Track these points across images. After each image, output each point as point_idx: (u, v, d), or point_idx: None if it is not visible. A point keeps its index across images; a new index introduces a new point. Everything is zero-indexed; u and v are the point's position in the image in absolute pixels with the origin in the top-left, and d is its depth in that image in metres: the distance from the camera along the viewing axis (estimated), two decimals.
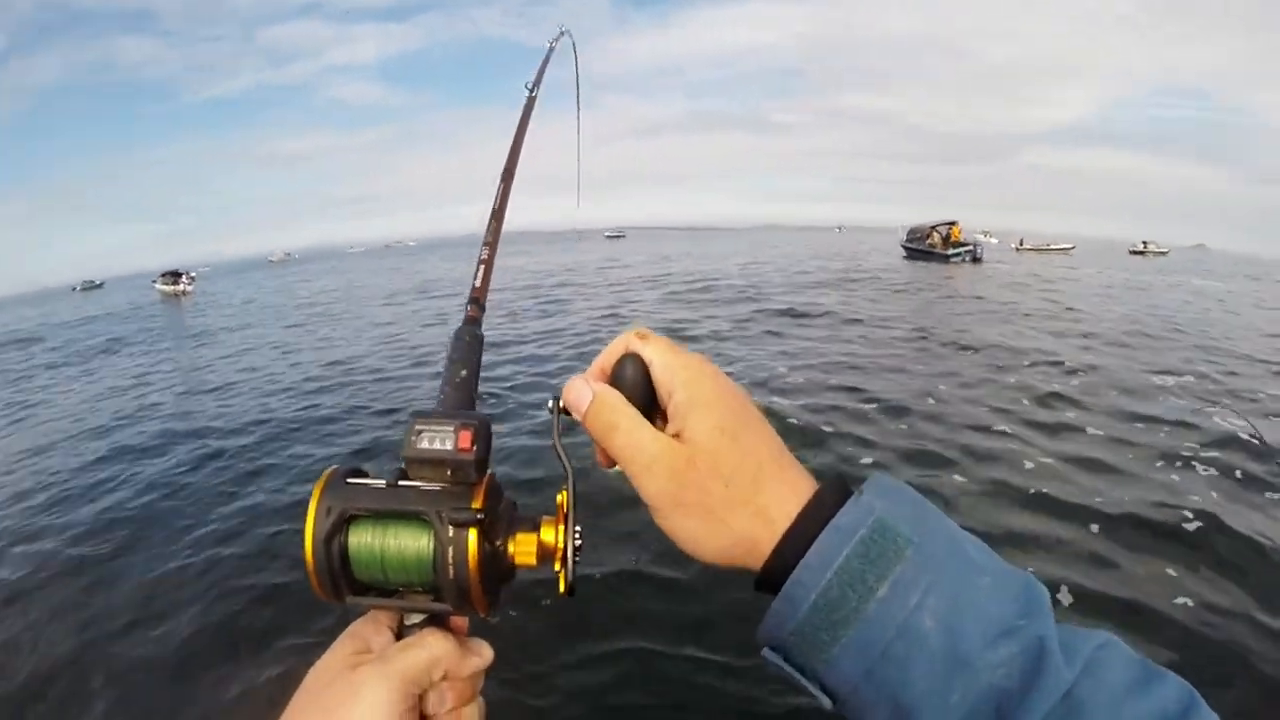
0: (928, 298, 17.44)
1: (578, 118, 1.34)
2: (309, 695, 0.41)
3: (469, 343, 0.51)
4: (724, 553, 0.41)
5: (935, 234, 33.82)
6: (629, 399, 0.44)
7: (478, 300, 0.54)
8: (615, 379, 0.45)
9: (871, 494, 0.39)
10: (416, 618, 0.44)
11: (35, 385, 13.41)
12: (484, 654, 0.45)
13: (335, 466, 0.44)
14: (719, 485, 0.40)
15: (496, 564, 0.43)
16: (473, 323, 0.53)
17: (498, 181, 0.64)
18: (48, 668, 4.40)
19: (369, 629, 0.44)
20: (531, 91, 0.78)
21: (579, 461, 0.45)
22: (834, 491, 0.40)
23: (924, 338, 10.98)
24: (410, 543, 0.41)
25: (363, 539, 0.42)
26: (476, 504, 0.41)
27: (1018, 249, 47.94)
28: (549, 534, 0.44)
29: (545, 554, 0.44)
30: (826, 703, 0.38)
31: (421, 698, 0.42)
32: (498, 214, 0.59)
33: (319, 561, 0.41)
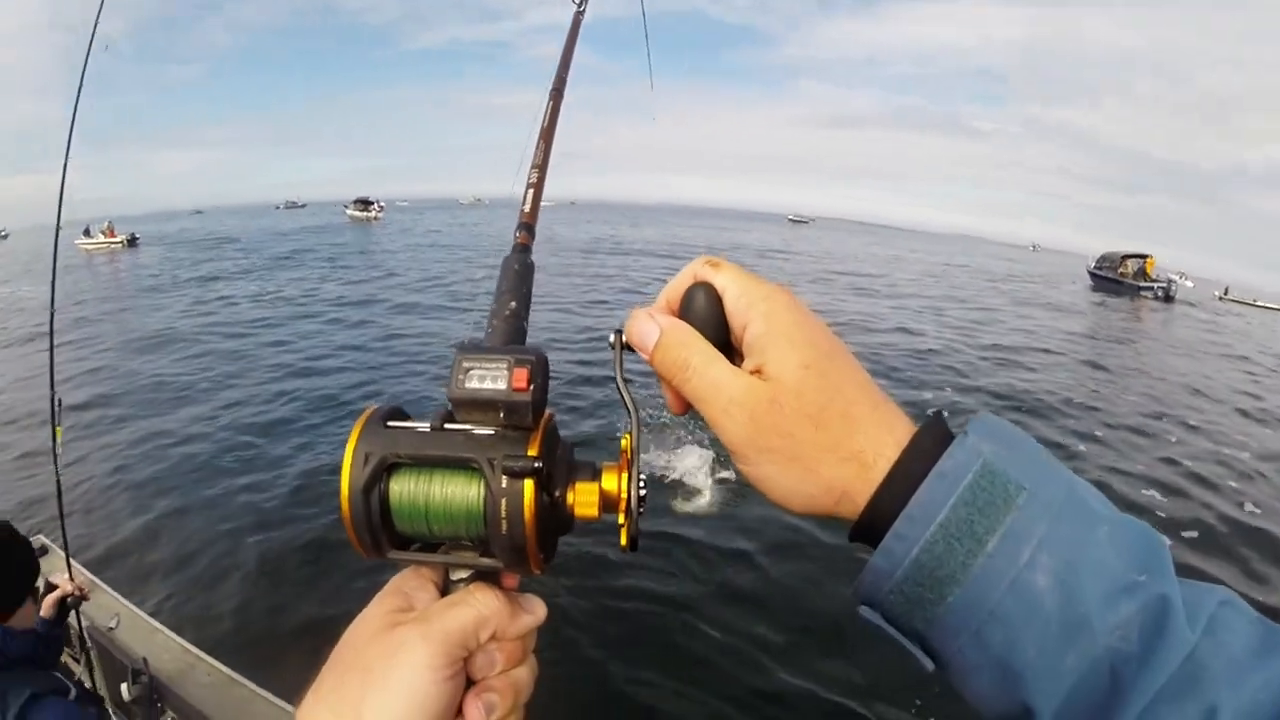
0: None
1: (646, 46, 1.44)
2: (346, 654, 0.37)
3: (518, 271, 0.47)
4: (814, 502, 0.37)
5: (1128, 264, 33.01)
6: (701, 333, 0.40)
7: (528, 226, 0.49)
8: (685, 311, 0.41)
9: (977, 435, 0.35)
10: (464, 572, 0.41)
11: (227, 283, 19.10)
12: (537, 612, 0.42)
13: (374, 406, 0.40)
14: (807, 427, 0.36)
15: (554, 517, 0.40)
16: (523, 249, 0.48)
17: (545, 99, 0.59)
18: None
19: (412, 583, 0.41)
20: (580, 6, 0.75)
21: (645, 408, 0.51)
22: (935, 433, 0.36)
23: None
24: (459, 493, 0.38)
25: (405, 488, 0.38)
26: (533, 451, 0.37)
27: (1221, 298, 44.28)
28: (611, 482, 0.40)
29: (608, 504, 0.40)
30: (928, 664, 0.35)
31: (468, 659, 0.38)
32: (546, 133, 0.55)
33: (356, 513, 0.37)
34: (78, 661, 2.86)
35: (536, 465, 0.36)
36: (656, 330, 0.40)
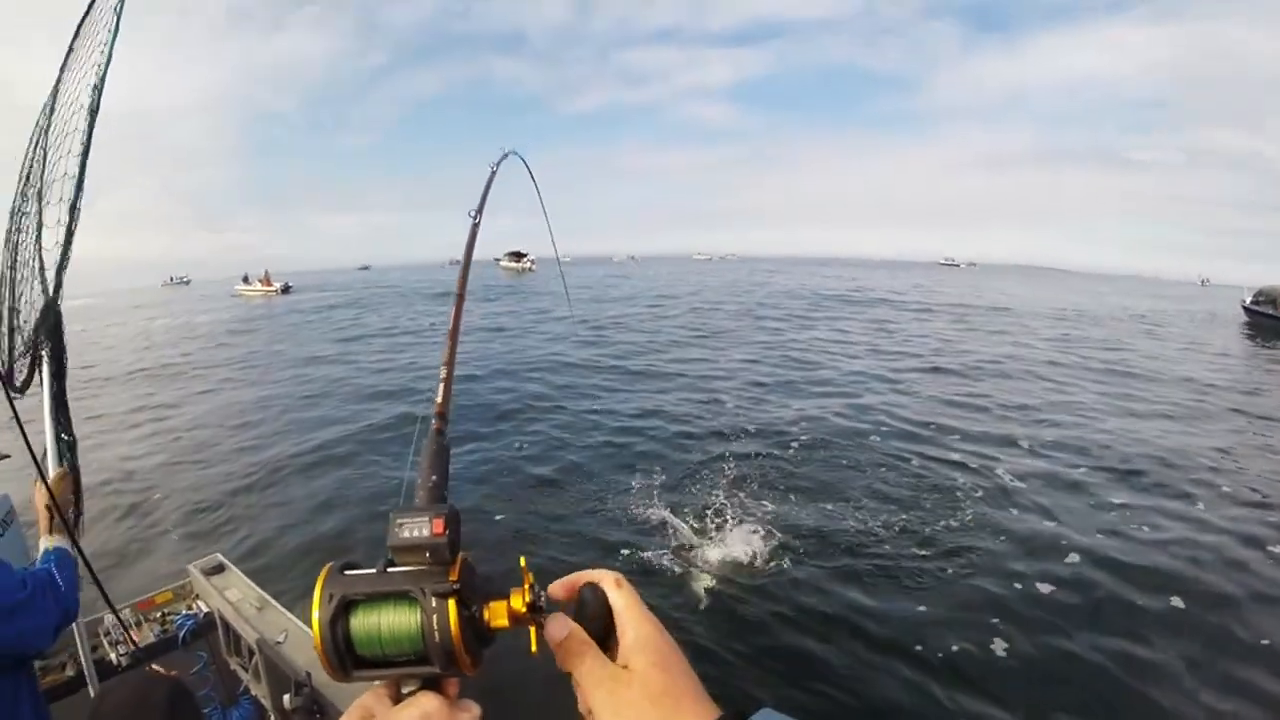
0: None
1: (549, 228, 1.72)
2: None
3: (436, 450, 0.60)
4: None
5: None
6: (589, 621, 0.56)
7: (442, 415, 0.62)
8: (581, 601, 0.57)
9: None
10: (413, 684, 0.51)
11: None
12: (473, 711, 0.52)
13: (331, 562, 0.52)
14: (649, 705, 0.51)
15: (475, 627, 0.51)
16: (439, 433, 0.61)
17: (452, 300, 0.74)
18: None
19: (371, 699, 0.52)
20: (475, 218, 0.90)
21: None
22: (732, 718, 0.50)
23: None
24: (402, 619, 0.49)
25: (361, 621, 0.49)
26: (453, 577, 0.49)
27: None
28: (517, 601, 0.53)
29: (515, 618, 0.53)
30: None
31: None
32: (452, 334, 0.69)
33: (326, 643, 0.48)
34: (245, 670, 3.00)
35: (455, 587, 0.48)
36: (566, 630, 0.55)
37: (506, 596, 0.53)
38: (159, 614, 3.27)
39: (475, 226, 0.90)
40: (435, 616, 0.47)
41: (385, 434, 8.94)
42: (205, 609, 3.27)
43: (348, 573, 0.50)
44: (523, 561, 0.55)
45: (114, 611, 2.35)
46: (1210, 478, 7.17)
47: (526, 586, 0.53)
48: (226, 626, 3.08)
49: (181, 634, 3.08)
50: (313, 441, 8.96)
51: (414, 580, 0.49)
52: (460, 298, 0.76)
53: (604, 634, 0.56)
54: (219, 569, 3.42)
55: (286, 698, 2.66)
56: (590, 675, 0.53)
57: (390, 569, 0.50)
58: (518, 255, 66.61)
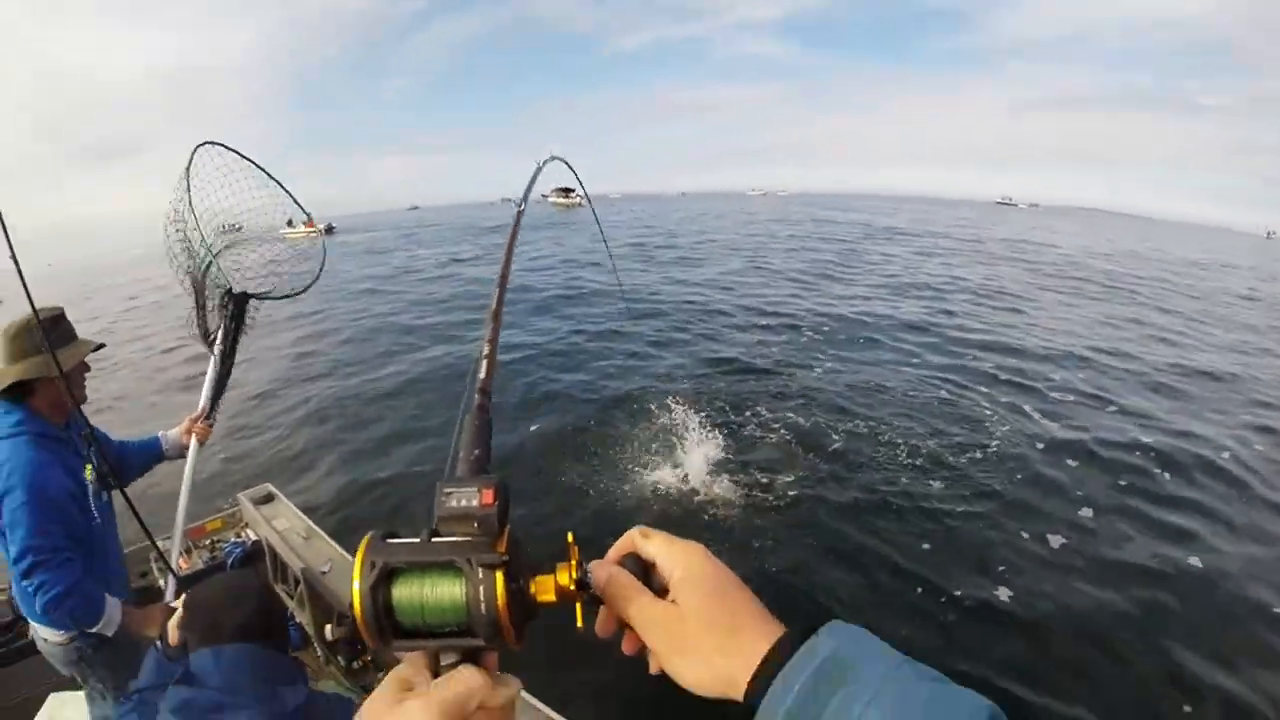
0: None
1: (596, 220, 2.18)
2: None
3: (479, 426, 0.58)
4: (711, 688, 0.51)
5: None
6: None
7: (485, 391, 0.61)
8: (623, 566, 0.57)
9: (825, 634, 0.47)
10: (452, 657, 0.49)
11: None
12: (513, 686, 0.50)
13: (371, 532, 0.50)
14: (703, 636, 0.51)
15: (521, 601, 0.49)
16: (482, 409, 0.60)
17: (494, 288, 0.73)
18: None
19: (409, 670, 0.49)
20: (520, 206, 1.03)
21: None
22: (799, 634, 0.48)
23: None
24: (446, 589, 0.47)
25: (404, 590, 0.48)
26: (501, 549, 0.47)
27: None
28: (564, 577, 0.52)
29: (563, 594, 0.52)
30: None
31: None
32: (495, 314, 0.69)
33: (366, 610, 0.47)
34: (291, 598, 3.08)
35: (504, 559, 0.47)
36: (606, 575, 0.55)
37: (553, 572, 0.52)
38: (208, 541, 3.38)
39: (520, 213, 0.99)
40: (482, 588, 0.46)
41: (436, 378, 9.31)
42: (254, 537, 3.36)
43: (390, 541, 0.49)
44: (570, 538, 0.54)
45: (151, 542, 2.39)
46: None
47: (574, 563, 0.52)
48: (274, 555, 3.16)
49: (230, 561, 3.18)
50: (362, 379, 9.39)
51: (460, 551, 0.48)
52: (504, 278, 0.76)
53: (652, 589, 0.55)
54: (268, 498, 3.51)
55: (329, 628, 2.71)
56: (642, 615, 0.53)
57: (435, 540, 0.49)
58: (566, 191, 68.15)
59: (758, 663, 0.48)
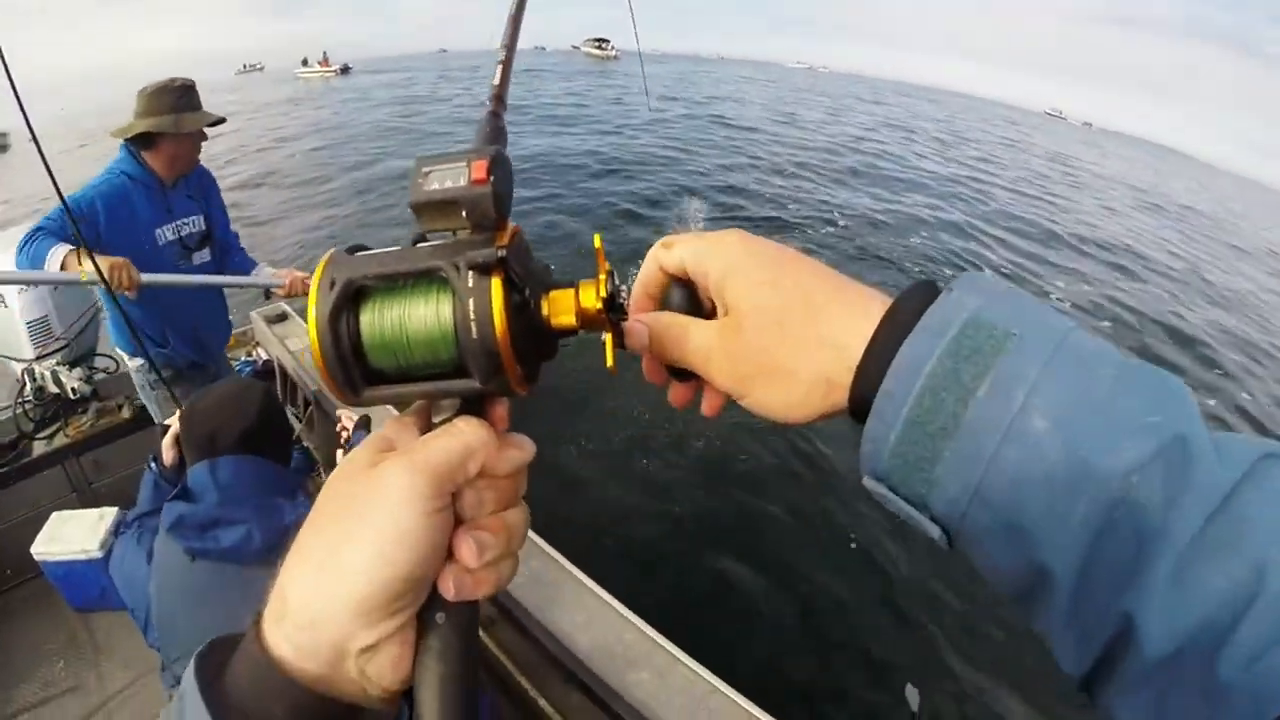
0: None
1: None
2: (325, 500, 0.35)
3: (489, 133, 0.44)
4: (808, 403, 0.37)
5: None
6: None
7: (499, 97, 0.49)
8: (667, 304, 0.43)
9: (963, 290, 0.33)
10: (447, 411, 0.38)
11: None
12: (526, 448, 0.38)
13: (335, 248, 0.38)
14: (773, 337, 0.37)
15: (529, 322, 0.37)
16: (495, 115, 0.47)
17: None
18: None
19: (394, 428, 0.38)
20: None
21: None
22: (916, 298, 0.34)
23: None
24: (429, 309, 0.35)
25: (374, 316, 0.36)
26: (500, 243, 0.35)
27: None
28: (588, 295, 0.37)
29: (585, 318, 0.38)
30: (935, 533, 0.32)
31: (457, 497, 0.36)
32: (514, 19, 0.56)
33: (325, 347, 0.35)
34: (300, 420, 3.22)
35: (501, 255, 0.34)
36: (644, 330, 0.41)
37: (575, 286, 0.38)
38: None
39: None
40: (473, 301, 0.34)
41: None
42: (265, 356, 3.44)
43: (358, 254, 0.37)
44: (597, 241, 0.40)
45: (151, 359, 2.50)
46: None
47: (603, 276, 0.38)
48: (284, 375, 3.24)
49: None
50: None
51: (446, 252, 0.35)
52: None
53: (705, 316, 0.42)
54: (281, 317, 3.51)
55: (339, 452, 2.85)
56: (698, 351, 0.40)
57: (418, 246, 0.37)
58: (600, 42, 70.41)
59: (862, 349, 0.34)
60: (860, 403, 0.34)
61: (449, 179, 0.35)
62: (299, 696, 0.32)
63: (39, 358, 2.62)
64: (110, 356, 2.88)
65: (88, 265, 1.87)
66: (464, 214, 0.35)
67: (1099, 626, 0.28)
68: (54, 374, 2.68)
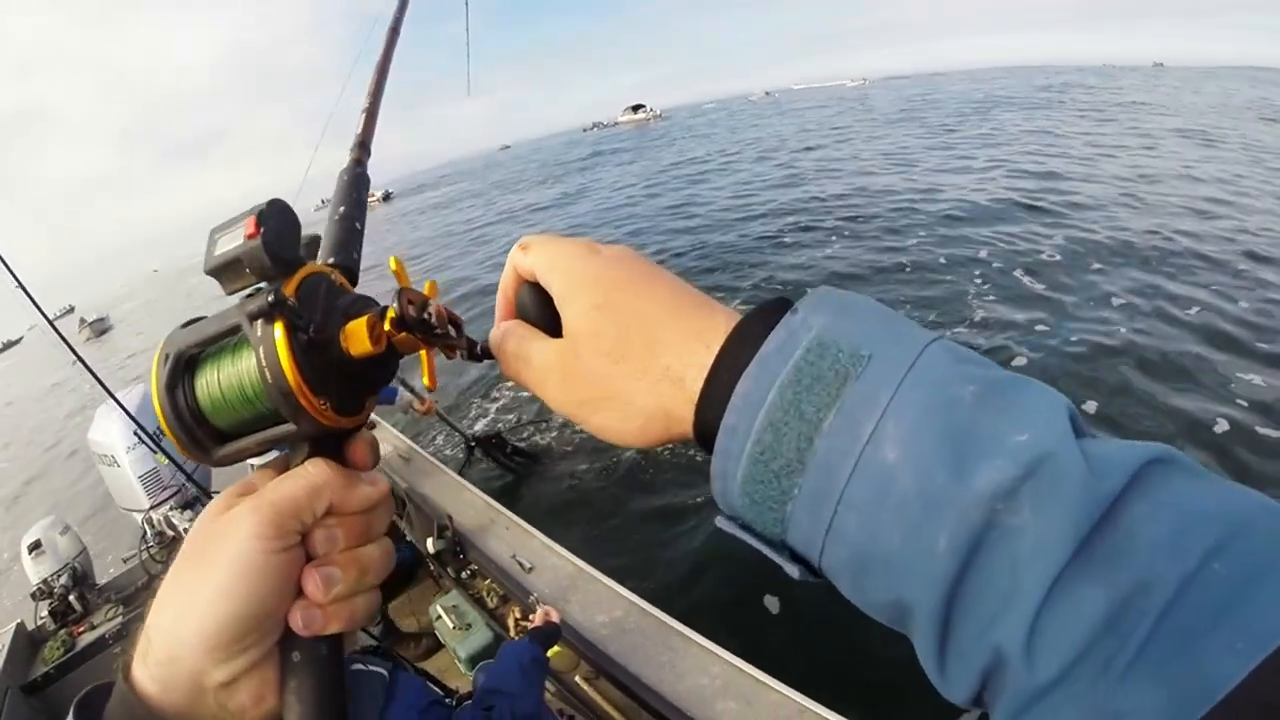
0: None
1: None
2: (189, 541, 0.37)
3: (349, 181, 0.50)
4: (646, 432, 0.36)
5: None
6: (541, 324, 0.41)
7: (364, 144, 0.54)
8: (520, 309, 0.42)
9: (808, 310, 0.31)
10: (300, 456, 0.39)
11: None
12: (379, 484, 0.40)
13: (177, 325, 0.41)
14: (607, 365, 0.36)
15: (324, 357, 0.37)
16: (356, 163, 0.52)
17: (383, 36, 0.69)
18: None
19: (257, 478, 0.39)
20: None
21: None
22: (761, 321, 0.32)
23: None
24: (236, 365, 0.37)
25: (205, 379, 0.38)
26: (286, 291, 0.36)
27: None
28: (384, 320, 0.38)
29: (386, 338, 0.38)
30: (794, 572, 0.31)
31: (308, 537, 0.37)
32: (381, 68, 0.62)
33: (168, 417, 0.38)
34: (401, 519, 3.27)
35: (272, 300, 0.34)
36: (500, 332, 0.41)
37: (383, 312, 0.39)
38: None
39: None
40: (263, 349, 0.35)
41: None
42: None
43: (189, 326, 0.39)
44: (393, 263, 0.42)
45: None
46: None
47: (399, 291, 0.39)
48: None
49: None
50: None
51: (239, 308, 0.37)
52: (395, 31, 0.71)
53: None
54: (370, 425, 3.69)
55: (430, 541, 2.87)
56: (537, 373, 0.39)
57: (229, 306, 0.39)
58: (636, 107, 74.31)
59: (700, 380, 0.32)
60: (706, 438, 0.33)
61: (230, 241, 0.36)
62: None
63: (153, 506, 2.79)
64: (220, 493, 3.05)
65: None
66: (248, 271, 0.36)
67: (973, 657, 0.26)
68: (166, 518, 2.85)
